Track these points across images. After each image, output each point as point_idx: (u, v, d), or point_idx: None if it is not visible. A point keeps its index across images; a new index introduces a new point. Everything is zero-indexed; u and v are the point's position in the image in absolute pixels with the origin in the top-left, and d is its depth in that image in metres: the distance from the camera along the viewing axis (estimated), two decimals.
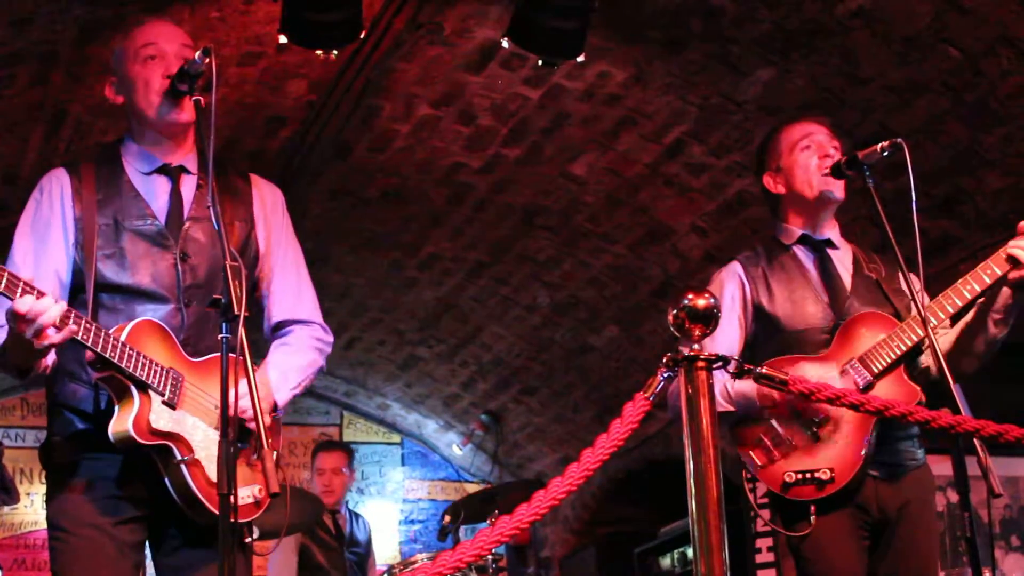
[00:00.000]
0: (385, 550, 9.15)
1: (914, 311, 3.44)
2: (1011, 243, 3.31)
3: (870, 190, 3.32)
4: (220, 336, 2.59)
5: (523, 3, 4.74)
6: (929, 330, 3.14)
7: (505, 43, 4.86)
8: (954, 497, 5.43)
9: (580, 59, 4.92)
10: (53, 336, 2.64)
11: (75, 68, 5.12)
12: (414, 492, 9.88)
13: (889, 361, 3.36)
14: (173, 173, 3.06)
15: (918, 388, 3.38)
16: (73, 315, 2.67)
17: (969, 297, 3.34)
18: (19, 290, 2.60)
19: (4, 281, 2.59)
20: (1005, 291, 3.34)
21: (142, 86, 3.00)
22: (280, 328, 3.21)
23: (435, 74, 5.55)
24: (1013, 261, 3.29)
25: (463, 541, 2.36)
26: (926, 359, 3.50)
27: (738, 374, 2.54)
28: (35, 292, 2.62)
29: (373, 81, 5.54)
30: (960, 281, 3.34)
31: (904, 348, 3.36)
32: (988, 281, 3.32)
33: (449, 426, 9.49)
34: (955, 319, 3.45)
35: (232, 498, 2.50)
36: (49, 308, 2.61)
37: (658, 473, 7.72)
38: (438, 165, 6.31)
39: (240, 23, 5.06)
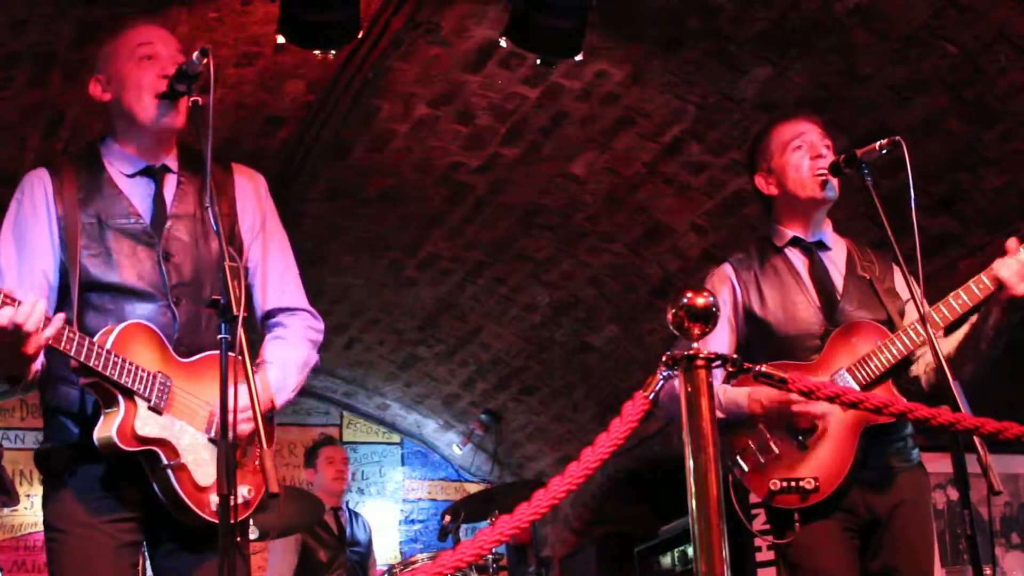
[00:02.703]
0: (385, 550, 9.15)
1: (908, 317, 3.43)
2: (997, 262, 3.27)
3: (869, 188, 3.31)
4: (219, 337, 2.59)
5: (521, 2, 4.74)
6: (929, 328, 3.12)
7: (503, 42, 4.86)
8: (954, 495, 5.44)
9: (578, 58, 4.92)
10: (38, 340, 2.62)
11: (72, 69, 5.12)
12: (414, 492, 9.88)
13: (879, 372, 3.34)
14: (156, 174, 3.04)
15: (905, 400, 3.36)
16: (55, 319, 2.65)
17: (960, 311, 3.30)
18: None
19: None
20: (995, 311, 3.29)
21: (134, 86, 2.97)
22: (270, 317, 3.19)
23: (433, 74, 5.54)
24: (998, 282, 3.25)
25: (463, 541, 2.36)
26: (916, 368, 3.47)
27: (736, 373, 2.54)
28: (15, 303, 2.59)
29: (371, 81, 5.54)
30: (952, 294, 3.30)
31: (894, 359, 3.34)
32: (980, 296, 3.28)
33: (449, 426, 9.49)
34: (949, 330, 3.41)
35: (231, 499, 2.50)
36: (29, 316, 2.59)
37: (658, 472, 7.72)
38: (436, 165, 6.31)
39: (238, 24, 5.05)
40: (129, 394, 2.76)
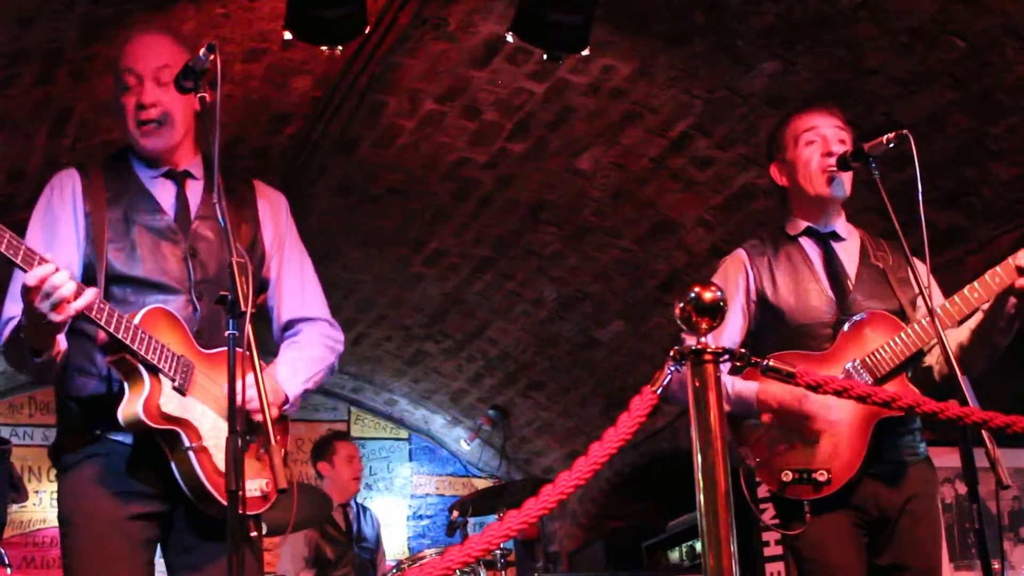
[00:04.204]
0: (393, 545, 9.15)
1: (920, 310, 3.42)
2: (1020, 252, 3.27)
3: (876, 182, 3.31)
4: (227, 333, 2.61)
5: None
6: (937, 323, 3.11)
7: (510, 37, 4.86)
8: (962, 489, 5.43)
9: (585, 53, 4.92)
10: (70, 308, 2.65)
11: (79, 66, 5.12)
12: (422, 487, 9.89)
13: (892, 365, 3.34)
14: (179, 177, 3.10)
15: (920, 392, 3.36)
16: (87, 291, 2.69)
17: (976, 304, 3.30)
18: (35, 263, 2.63)
19: (21, 254, 2.62)
20: (1010, 300, 3.29)
21: (121, 113, 3.06)
22: (289, 328, 3.24)
23: (440, 69, 5.54)
24: (1022, 271, 3.25)
25: (471, 536, 2.36)
26: (929, 359, 3.47)
27: (743, 367, 2.53)
28: (52, 264, 2.65)
29: (378, 77, 5.54)
30: (968, 287, 3.30)
31: (908, 351, 3.34)
32: (996, 289, 3.28)
33: (456, 421, 9.50)
34: (961, 321, 3.41)
35: (240, 492, 2.51)
36: (65, 280, 2.64)
37: (665, 467, 7.72)
38: (443, 160, 6.31)
39: (245, 20, 5.06)
40: (154, 371, 2.79)
